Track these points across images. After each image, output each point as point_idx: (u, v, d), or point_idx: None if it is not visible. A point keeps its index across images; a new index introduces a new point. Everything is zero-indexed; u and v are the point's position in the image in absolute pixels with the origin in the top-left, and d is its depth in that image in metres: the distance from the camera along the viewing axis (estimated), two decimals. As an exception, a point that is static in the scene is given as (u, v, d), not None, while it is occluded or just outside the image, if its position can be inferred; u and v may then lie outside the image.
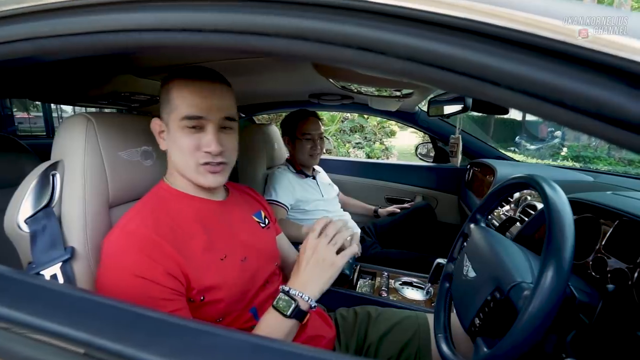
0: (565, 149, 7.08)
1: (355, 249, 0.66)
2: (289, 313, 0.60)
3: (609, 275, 0.60)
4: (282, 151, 1.73)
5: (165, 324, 0.30)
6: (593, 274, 0.63)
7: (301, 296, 0.62)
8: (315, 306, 0.63)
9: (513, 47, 0.23)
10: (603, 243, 0.65)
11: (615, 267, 0.59)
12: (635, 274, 0.54)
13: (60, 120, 5.68)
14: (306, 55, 0.31)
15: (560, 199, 0.51)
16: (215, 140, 0.63)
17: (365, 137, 7.10)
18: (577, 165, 6.02)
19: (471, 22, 0.23)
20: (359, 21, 0.27)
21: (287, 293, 0.62)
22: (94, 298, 0.33)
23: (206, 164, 0.65)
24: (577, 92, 0.21)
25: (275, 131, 1.73)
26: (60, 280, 0.59)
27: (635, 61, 0.21)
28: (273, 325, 0.61)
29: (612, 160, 6.16)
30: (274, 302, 0.62)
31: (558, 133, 7.75)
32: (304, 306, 0.62)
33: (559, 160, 6.45)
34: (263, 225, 0.83)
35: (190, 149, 0.64)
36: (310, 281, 0.63)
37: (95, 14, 0.36)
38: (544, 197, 0.52)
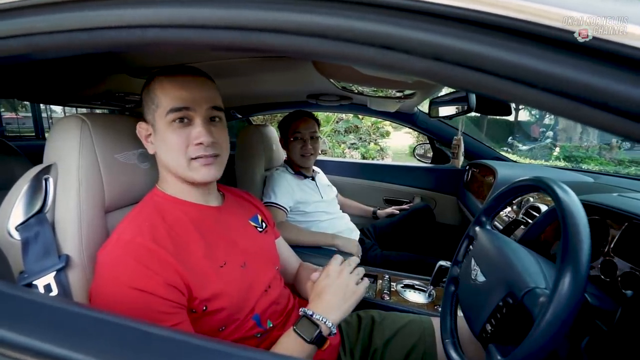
0: (557, 149, 7.18)
1: (367, 282, 0.69)
2: (311, 339, 0.58)
3: (619, 278, 0.59)
4: (280, 152, 1.71)
5: (175, 342, 0.28)
6: (602, 277, 0.63)
7: (324, 322, 0.59)
8: (335, 333, 0.61)
9: (553, 47, 0.21)
10: (611, 246, 0.64)
11: (626, 271, 0.59)
12: (647, 278, 0.54)
13: (50, 121, 5.55)
14: (324, 54, 0.29)
15: (574, 202, 0.50)
16: (205, 131, 0.61)
17: (360, 138, 7.11)
18: (569, 164, 6.11)
19: (507, 19, 0.22)
20: (382, 18, 0.26)
21: (309, 317, 0.60)
22: (94, 314, 0.31)
23: (198, 157, 0.63)
24: (626, 94, 0.20)
25: (273, 132, 1.71)
26: (55, 290, 0.56)
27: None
28: (292, 349, 0.59)
29: (603, 160, 6.27)
30: (295, 326, 0.60)
31: (550, 133, 7.86)
32: (325, 332, 0.59)
33: (551, 160, 6.54)
34: (260, 229, 0.81)
35: (180, 145, 0.61)
36: (333, 306, 0.61)
37: (97, 9, 0.34)
38: (557, 201, 0.51)
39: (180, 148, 0.61)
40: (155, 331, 0.29)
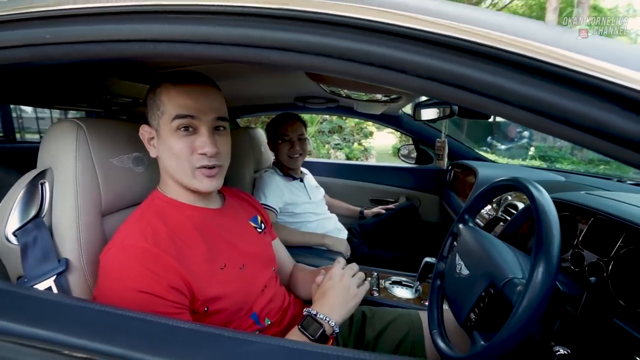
0: (532, 149, 7.51)
1: (368, 286, 0.72)
2: (315, 337, 0.61)
3: (586, 268, 0.65)
4: (269, 154, 1.73)
5: (199, 333, 0.30)
6: (572, 267, 0.69)
7: (328, 321, 0.62)
8: (337, 332, 0.64)
9: (527, 73, 0.26)
10: (580, 239, 0.70)
11: (592, 261, 0.65)
12: (610, 267, 0.60)
13: (20, 121, 5.27)
14: (328, 70, 0.32)
15: (546, 200, 0.55)
16: (209, 141, 0.62)
17: (344, 139, 7.18)
18: (544, 163, 6.42)
19: (489, 48, 0.26)
20: (382, 41, 0.29)
21: (314, 317, 0.63)
22: (120, 312, 0.33)
23: (201, 167, 0.64)
24: (581, 112, 0.25)
25: (262, 134, 1.72)
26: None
27: (627, 86, 0.25)
28: None
29: (575, 159, 6.62)
30: (300, 325, 0.63)
31: (526, 133, 8.21)
32: (328, 331, 0.63)
33: (527, 160, 6.85)
34: (260, 230, 0.83)
35: (184, 152, 0.62)
36: (336, 307, 0.65)
37: (114, 23, 0.36)
38: (532, 199, 0.57)
39: (184, 155, 0.62)
40: (179, 324, 0.31)
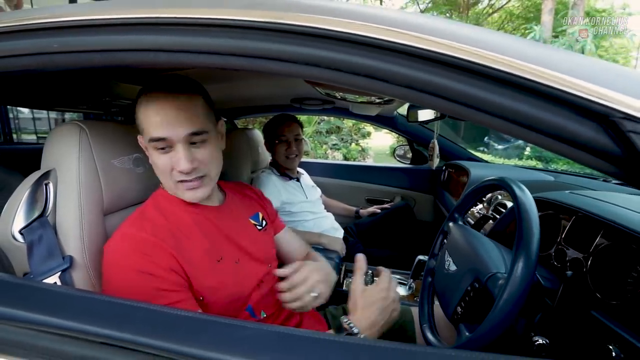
0: (528, 149, 7.56)
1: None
2: None
3: (568, 264, 0.69)
4: (266, 155, 1.76)
5: (199, 321, 0.33)
6: (555, 263, 0.72)
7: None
8: None
9: (496, 83, 0.29)
10: (563, 236, 0.74)
11: (573, 257, 0.68)
12: (589, 262, 0.63)
13: (17, 122, 5.26)
14: (318, 78, 0.35)
15: (528, 199, 0.59)
16: (184, 158, 0.62)
17: (342, 139, 7.21)
18: (539, 163, 6.47)
19: (465, 61, 0.29)
20: (366, 53, 0.32)
21: (355, 335, 0.58)
22: (126, 303, 0.36)
23: (182, 181, 0.65)
24: (543, 118, 0.28)
25: (259, 135, 1.75)
26: (60, 289, 0.60)
27: (580, 96, 0.28)
28: None
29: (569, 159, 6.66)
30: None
31: (521, 134, 8.23)
32: None
33: (523, 159, 6.91)
34: (260, 227, 0.85)
35: (164, 168, 0.64)
36: (376, 326, 0.62)
37: (117, 33, 0.39)
38: (514, 198, 0.60)
39: (165, 171, 0.64)
40: (181, 313, 0.34)
